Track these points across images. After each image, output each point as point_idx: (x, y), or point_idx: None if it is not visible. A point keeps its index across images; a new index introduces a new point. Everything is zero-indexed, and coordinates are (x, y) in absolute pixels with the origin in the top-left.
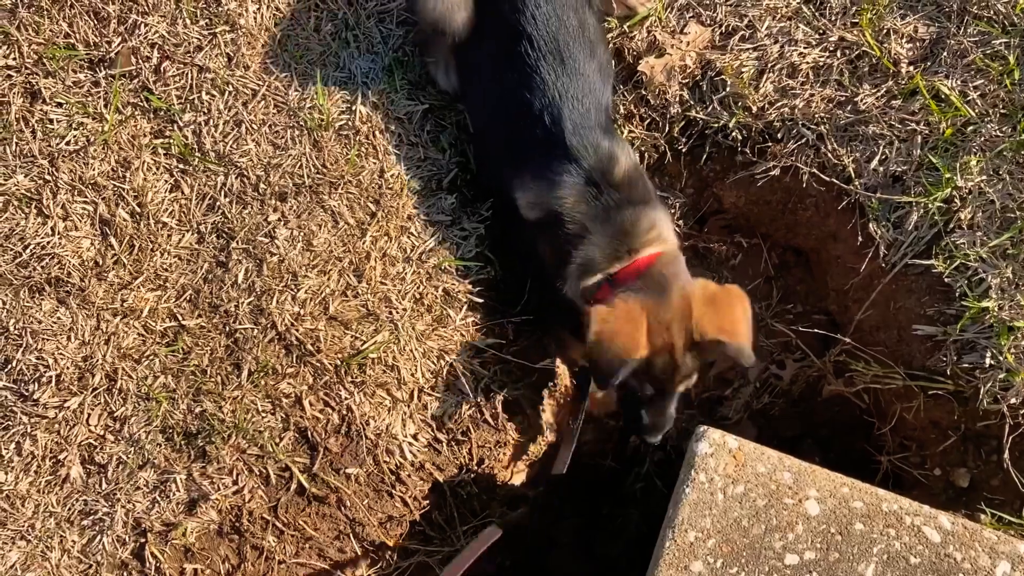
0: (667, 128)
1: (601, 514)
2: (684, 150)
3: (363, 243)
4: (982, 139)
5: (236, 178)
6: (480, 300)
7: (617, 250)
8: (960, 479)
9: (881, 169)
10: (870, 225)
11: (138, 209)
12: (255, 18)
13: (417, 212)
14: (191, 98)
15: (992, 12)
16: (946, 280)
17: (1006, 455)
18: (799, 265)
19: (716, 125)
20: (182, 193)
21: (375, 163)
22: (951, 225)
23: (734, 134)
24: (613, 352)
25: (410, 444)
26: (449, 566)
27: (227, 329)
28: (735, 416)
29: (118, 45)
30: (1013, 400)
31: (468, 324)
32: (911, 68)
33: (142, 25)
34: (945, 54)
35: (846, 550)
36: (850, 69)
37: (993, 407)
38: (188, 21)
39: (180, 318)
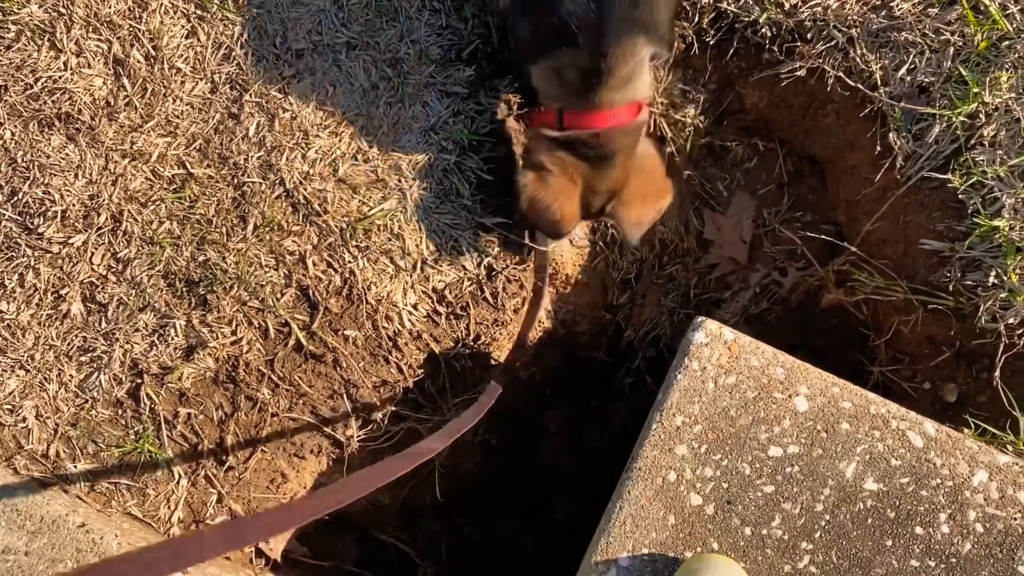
0: (696, 18)
1: (590, 406)
2: (711, 43)
3: (376, 108)
4: (1016, 55)
5: (253, 30)
6: (490, 177)
7: (584, 92)
8: (948, 394)
9: (908, 78)
10: (890, 135)
11: (153, 52)
12: None
13: (433, 82)
14: None
15: None
16: (960, 196)
17: (997, 372)
18: (813, 175)
19: (747, 20)
20: (198, 40)
21: (395, 27)
22: (972, 141)
23: (763, 31)
24: (548, 219)
25: (410, 313)
26: (457, 420)
27: (235, 181)
28: (731, 319)
29: None
30: (1011, 320)
31: (476, 200)
32: None
33: None
34: None
35: (830, 447)
36: None
37: (990, 325)
38: None
39: (189, 166)
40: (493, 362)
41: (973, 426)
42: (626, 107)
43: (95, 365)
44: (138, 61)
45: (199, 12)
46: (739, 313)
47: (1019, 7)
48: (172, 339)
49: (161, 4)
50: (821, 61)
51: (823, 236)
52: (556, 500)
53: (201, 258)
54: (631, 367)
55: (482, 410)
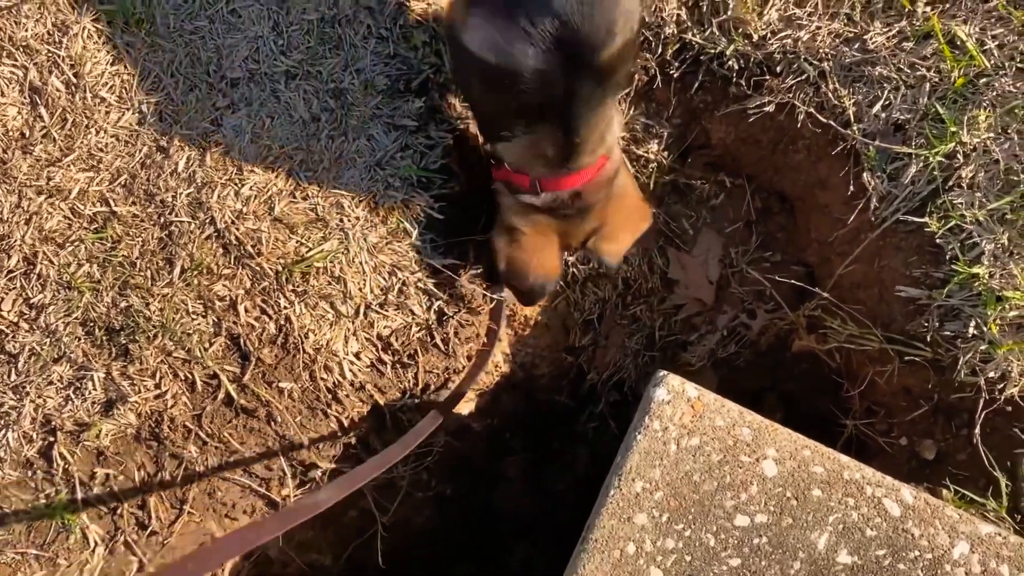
0: (660, 49)
1: (551, 450)
2: (676, 76)
3: (318, 142)
4: (994, 93)
5: (186, 56)
6: (441, 216)
7: (558, 160)
8: (926, 451)
9: (883, 115)
10: (864, 175)
11: (74, 79)
12: None
13: (380, 114)
14: None
15: None
16: (938, 241)
17: (977, 430)
18: (783, 212)
19: (712, 52)
20: (124, 67)
21: (338, 55)
22: (950, 183)
23: (730, 63)
24: (532, 279)
25: (351, 363)
26: (387, 450)
27: (162, 220)
28: (698, 363)
29: None
30: (992, 374)
31: (426, 240)
32: (928, 9)
33: None
34: None
35: (800, 516)
36: (863, 3)
37: (970, 379)
38: None
39: (112, 203)
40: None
41: (953, 491)
42: (600, 159)
43: (2, 422)
44: (57, 89)
45: (126, 37)
46: (706, 356)
47: (996, 43)
48: (89, 393)
49: (84, 28)
50: (791, 96)
51: (793, 280)
52: (515, 547)
53: (123, 304)
54: (594, 411)
55: (420, 436)
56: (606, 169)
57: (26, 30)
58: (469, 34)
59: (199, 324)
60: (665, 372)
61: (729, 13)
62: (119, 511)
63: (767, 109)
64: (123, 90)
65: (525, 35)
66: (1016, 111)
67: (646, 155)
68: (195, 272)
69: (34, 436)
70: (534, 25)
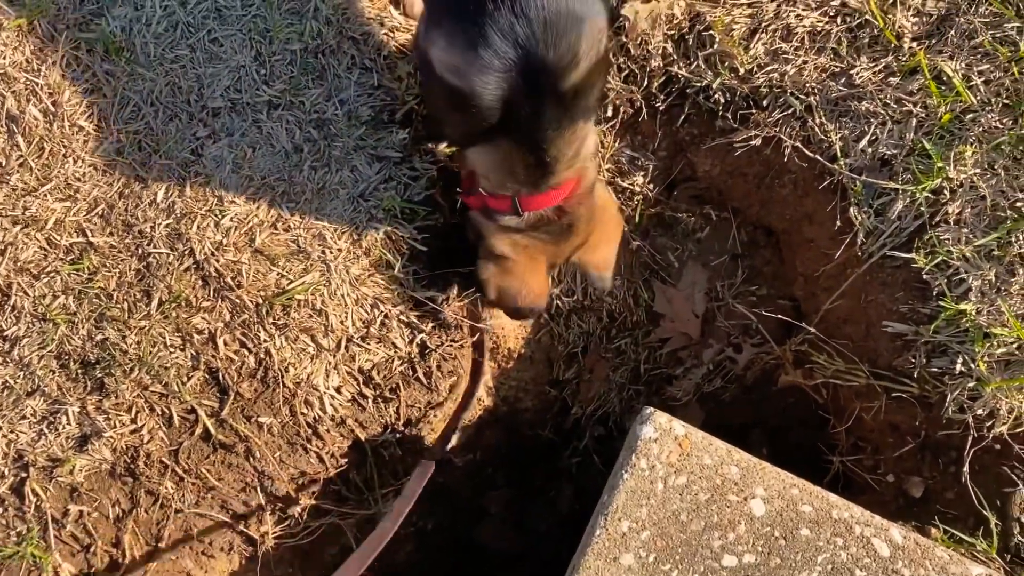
0: (646, 82)
1: (534, 487)
2: (661, 108)
3: (300, 173)
4: (980, 129)
5: (166, 85)
6: (425, 248)
7: (533, 180)
8: (914, 488)
9: (870, 150)
10: (851, 209)
11: (52, 108)
12: None
13: (364, 145)
14: None
15: None
16: (925, 277)
17: (965, 468)
18: (768, 245)
19: (698, 85)
20: (103, 95)
21: (322, 85)
22: (937, 218)
23: (716, 96)
24: (523, 304)
25: (332, 397)
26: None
27: (140, 251)
28: (684, 397)
29: None
30: (980, 411)
31: (409, 273)
32: (914, 44)
33: None
34: (952, 33)
35: (788, 556)
36: (849, 38)
37: (958, 416)
38: None
39: (89, 234)
40: (427, 445)
41: (942, 530)
42: (577, 170)
43: None
44: (35, 118)
45: (106, 66)
46: (692, 391)
47: (983, 79)
48: (63, 427)
49: (63, 56)
50: (777, 130)
51: (779, 315)
52: None
53: (99, 337)
54: (578, 446)
55: (420, 484)
56: (586, 180)
57: (4, 58)
58: (433, 52)
59: (177, 357)
60: (652, 409)
61: (715, 47)
62: (92, 549)
63: (753, 143)
64: (102, 119)
65: (485, 64)
66: (1002, 147)
67: (631, 187)
68: (173, 304)
69: (5, 472)
70: (496, 55)
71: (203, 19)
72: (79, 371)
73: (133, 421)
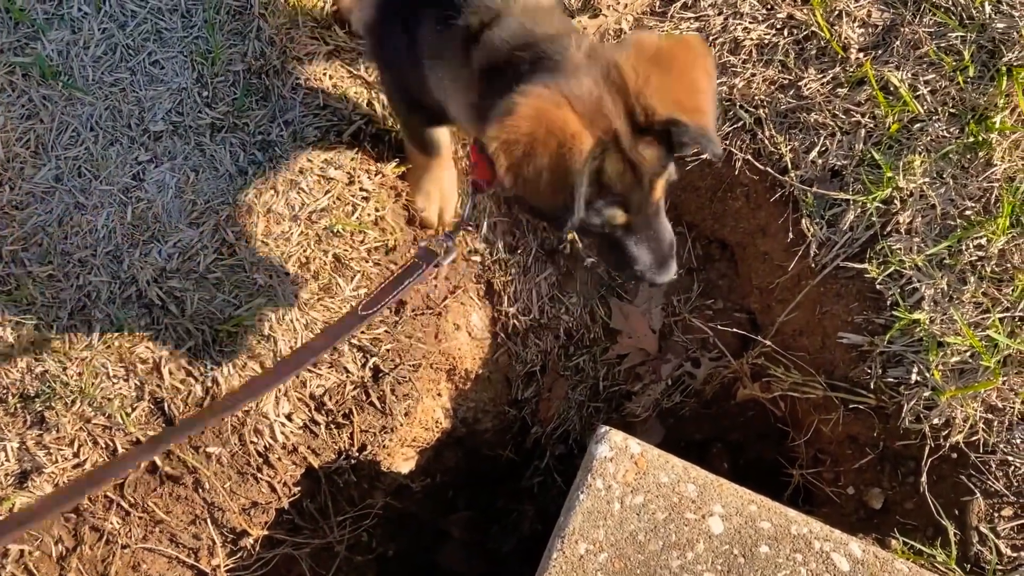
0: None
1: (496, 508)
2: None
3: (245, 195)
4: (928, 138)
5: (106, 109)
6: (375, 269)
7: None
8: (873, 500)
9: (820, 161)
10: (803, 221)
11: None
12: None
13: (311, 166)
14: (60, 13)
15: (950, 2)
16: (878, 287)
17: (923, 478)
18: (724, 259)
19: None
20: (41, 121)
21: (266, 106)
22: (888, 228)
23: None
24: (553, 174)
25: (282, 424)
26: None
27: (80, 280)
28: (643, 413)
29: None
30: (936, 420)
31: (359, 296)
32: (861, 55)
33: None
34: (898, 43)
35: (748, 574)
36: (796, 50)
37: (915, 426)
38: None
39: (26, 264)
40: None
41: (901, 542)
42: None
43: None
44: None
45: (43, 90)
46: (651, 406)
47: (929, 88)
48: (2, 464)
49: None
50: (728, 143)
51: (734, 330)
52: None
53: (38, 369)
54: (539, 465)
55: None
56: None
57: None
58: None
59: (120, 388)
60: (607, 428)
61: None
62: None
63: (704, 156)
64: (39, 145)
65: None
66: (950, 156)
67: None
68: (115, 334)
69: None
70: None
71: (143, 41)
72: (18, 405)
73: (76, 455)
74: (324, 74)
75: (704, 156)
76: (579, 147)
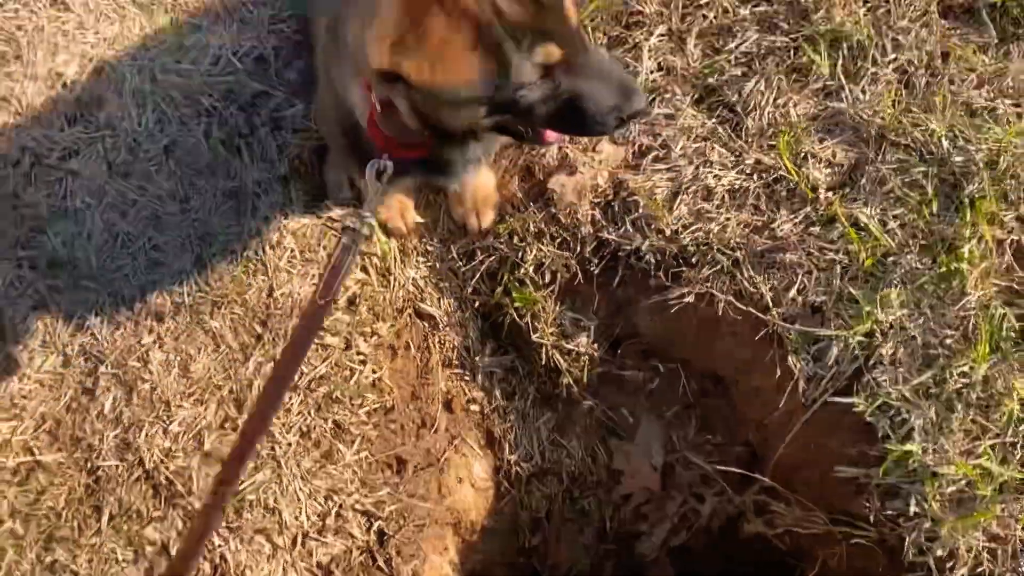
0: (579, 248)
1: None
2: (596, 272)
3: (246, 369)
4: (902, 271)
5: (109, 295)
6: (375, 431)
7: None
8: None
9: (799, 299)
10: (789, 358)
11: None
12: (139, 123)
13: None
14: (64, 206)
15: (909, 139)
16: (868, 420)
17: None
18: (719, 393)
19: (629, 247)
20: (48, 311)
21: (264, 280)
22: (872, 360)
23: (647, 257)
24: (456, 32)
25: None
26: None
27: (89, 466)
28: (652, 553)
29: None
30: (940, 552)
31: (361, 460)
32: (829, 194)
33: (12, 127)
34: (864, 181)
35: None
36: (767, 193)
37: (919, 559)
38: (64, 124)
39: (36, 452)
40: None
41: None
42: None
43: None
44: None
45: (48, 281)
46: (660, 545)
47: (898, 223)
48: None
49: (5, 276)
50: (709, 285)
51: (734, 466)
52: None
53: (48, 559)
54: None
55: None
56: None
57: None
58: None
59: (128, 571)
60: None
61: (641, 211)
62: None
63: (688, 299)
64: (47, 334)
65: None
66: (925, 286)
67: (576, 349)
68: (124, 517)
69: None
70: None
71: (143, 228)
72: None
73: None
74: (319, 245)
75: (688, 300)
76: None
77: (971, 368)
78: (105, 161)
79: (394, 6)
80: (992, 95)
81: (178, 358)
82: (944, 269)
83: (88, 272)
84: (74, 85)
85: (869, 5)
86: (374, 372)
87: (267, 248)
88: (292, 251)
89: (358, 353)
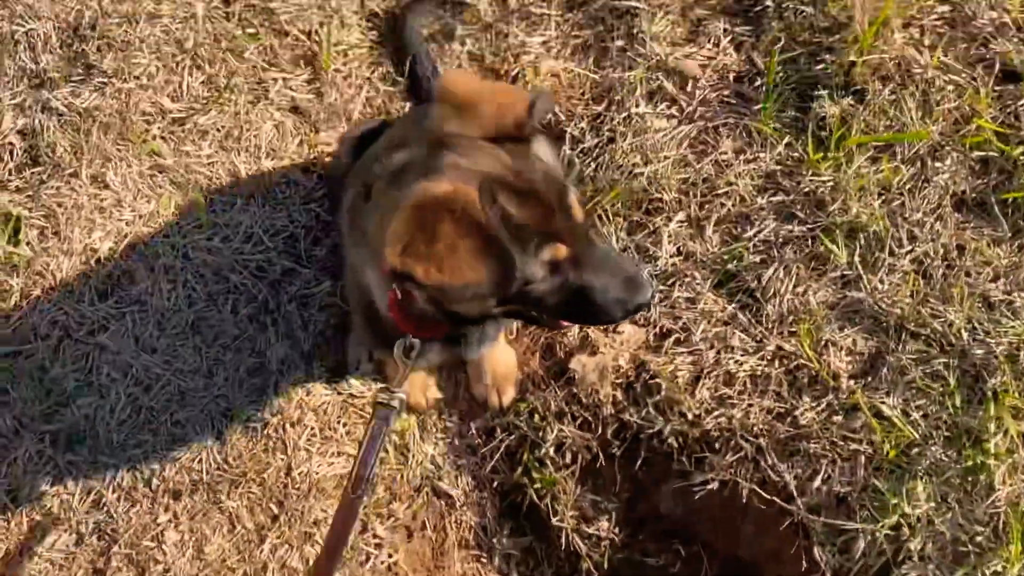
0: (600, 429)
1: None
2: (618, 453)
3: (260, 551)
4: (928, 463)
5: (127, 471)
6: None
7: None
8: None
9: (824, 489)
10: (815, 549)
11: (11, 504)
12: (168, 299)
13: (325, 516)
14: (90, 380)
15: (929, 330)
16: None
17: None
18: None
19: (651, 430)
20: (65, 487)
21: (282, 459)
22: (901, 555)
23: (670, 440)
24: (466, 238)
25: None
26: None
27: None
28: None
29: (16, 319)
30: None
31: None
32: (851, 383)
33: (45, 301)
34: (885, 370)
35: None
36: (789, 380)
37: None
38: (95, 298)
39: None
40: None
41: None
42: None
43: None
44: None
45: (68, 456)
46: None
47: (921, 413)
48: None
49: (25, 451)
50: (733, 472)
51: None
52: None
53: None
54: None
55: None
56: None
57: None
58: None
59: None
60: None
61: (663, 393)
62: None
63: (711, 486)
64: (63, 510)
65: None
66: (952, 480)
67: (597, 533)
68: None
69: None
70: None
71: (166, 403)
72: None
73: None
74: (339, 422)
75: (712, 487)
76: (470, 199)
77: (1004, 568)
78: (132, 336)
79: (407, 211)
80: (1009, 288)
81: (193, 538)
82: (970, 463)
83: (108, 447)
84: (107, 261)
85: (884, 198)
86: (390, 556)
87: (287, 426)
88: (312, 429)
89: (374, 536)
